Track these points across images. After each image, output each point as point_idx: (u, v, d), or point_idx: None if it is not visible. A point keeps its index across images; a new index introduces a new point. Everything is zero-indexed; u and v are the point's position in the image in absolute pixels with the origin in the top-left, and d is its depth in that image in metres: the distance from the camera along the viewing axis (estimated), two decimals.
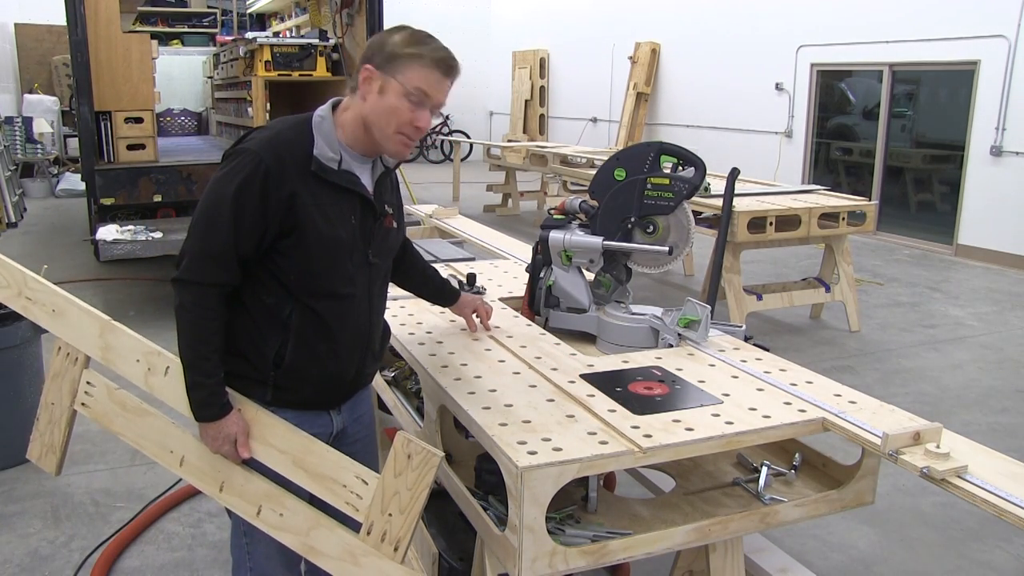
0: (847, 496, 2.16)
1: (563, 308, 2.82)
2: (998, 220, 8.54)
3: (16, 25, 13.48)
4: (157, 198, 6.30)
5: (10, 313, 3.67)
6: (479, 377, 2.24)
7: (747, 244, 5.57)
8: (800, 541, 3.23)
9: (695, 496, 2.17)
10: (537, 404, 2.06)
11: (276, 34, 11.20)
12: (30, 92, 12.89)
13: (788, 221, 5.57)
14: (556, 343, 2.56)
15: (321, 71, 7.38)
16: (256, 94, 7.41)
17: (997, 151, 8.52)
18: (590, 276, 2.86)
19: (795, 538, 3.24)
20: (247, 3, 13.20)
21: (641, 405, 2.06)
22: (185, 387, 1.86)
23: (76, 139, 9.83)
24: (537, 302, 2.87)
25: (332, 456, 1.89)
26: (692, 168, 2.72)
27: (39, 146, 11.92)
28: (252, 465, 1.95)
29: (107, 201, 6.15)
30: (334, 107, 1.92)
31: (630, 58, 13.71)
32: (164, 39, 13.46)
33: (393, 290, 2.25)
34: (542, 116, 16.53)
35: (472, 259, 3.83)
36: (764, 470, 2.22)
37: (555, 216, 2.86)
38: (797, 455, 2.32)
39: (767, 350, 2.54)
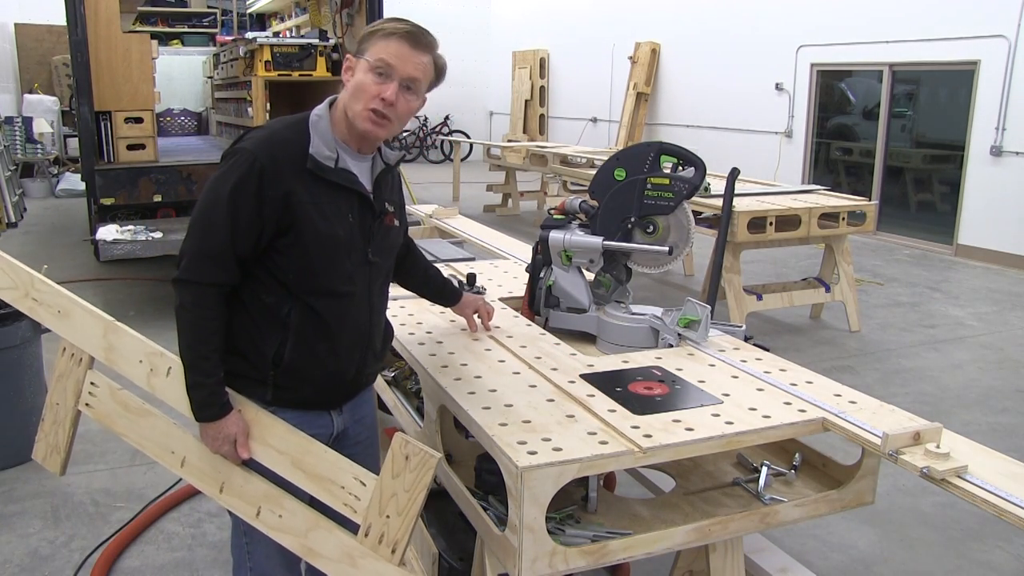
0: (847, 496, 2.16)
1: (563, 308, 2.82)
2: (998, 220, 8.54)
3: (16, 25, 13.48)
4: (157, 198, 6.30)
5: (10, 313, 3.67)
6: (479, 377, 2.24)
7: (747, 244, 5.57)
8: (800, 541, 3.23)
9: (695, 496, 2.17)
10: (537, 404, 2.06)
11: (276, 34, 11.20)
12: (30, 92, 12.89)
13: (788, 221, 5.57)
14: (556, 343, 2.56)
15: (321, 71, 7.37)
16: (256, 94, 7.41)
17: (997, 151, 8.52)
18: (590, 276, 2.86)
19: (795, 538, 3.24)
20: (247, 3, 13.20)
21: (641, 405, 2.06)
22: (185, 387, 1.86)
23: (76, 139, 9.83)
24: (537, 302, 2.87)
25: (330, 457, 1.89)
26: (692, 168, 2.72)
27: (39, 146, 11.92)
28: (252, 466, 1.95)
29: (107, 201, 6.15)
30: (331, 105, 1.92)
31: (630, 58, 13.71)
32: (164, 39, 13.45)
33: (393, 290, 2.25)
34: (542, 116, 16.53)
35: (472, 259, 3.83)
36: (764, 470, 2.22)
37: (555, 216, 2.86)
38: (797, 455, 2.32)
39: (767, 350, 2.54)
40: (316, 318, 1.90)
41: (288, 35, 10.42)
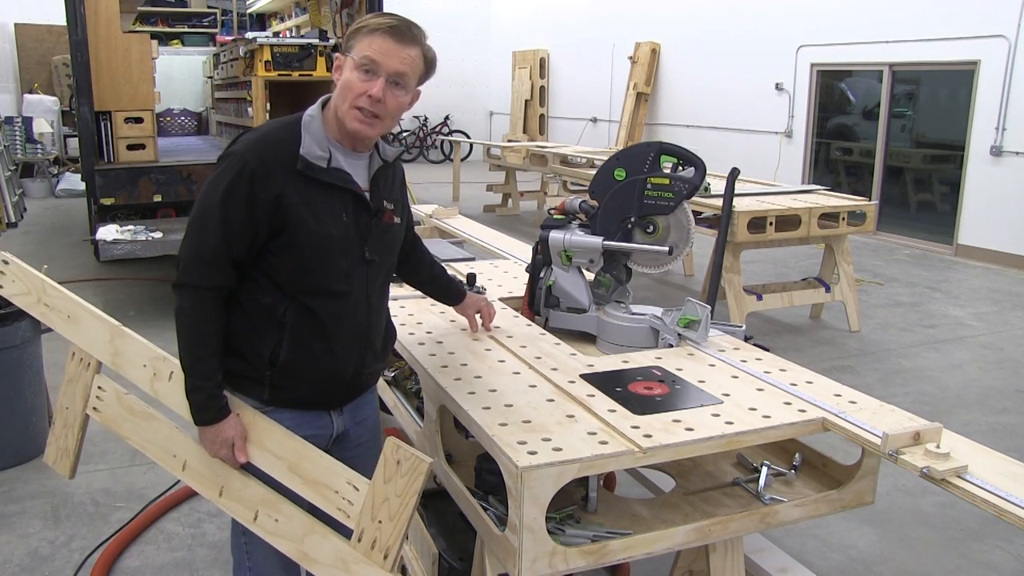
0: (847, 496, 2.16)
1: (563, 308, 2.82)
2: (998, 220, 8.54)
3: (16, 25, 13.48)
4: (157, 198, 6.30)
5: (10, 313, 3.67)
6: (479, 377, 2.24)
7: (747, 244, 5.57)
8: (800, 541, 3.23)
9: (695, 496, 2.17)
10: (537, 404, 2.06)
11: (276, 34, 11.21)
12: (30, 92, 12.89)
13: (788, 221, 5.57)
14: (556, 343, 2.56)
15: (321, 71, 7.37)
16: (256, 94, 7.41)
17: (997, 151, 8.52)
18: (590, 276, 2.86)
19: (795, 538, 3.24)
20: (247, 3, 13.20)
21: (641, 405, 2.06)
22: (184, 390, 1.87)
23: (76, 139, 9.83)
24: (537, 302, 2.87)
25: (325, 461, 1.88)
26: (692, 168, 2.72)
27: (39, 146, 11.92)
28: (251, 470, 1.95)
29: (107, 201, 6.15)
30: (324, 105, 1.92)
31: (630, 58, 13.71)
32: (164, 39, 13.46)
33: (393, 290, 2.25)
34: (542, 116, 16.53)
35: (472, 259, 3.83)
36: (764, 470, 2.22)
37: (555, 216, 2.86)
38: (797, 455, 2.32)
39: (767, 350, 2.54)
40: (312, 318, 1.89)
41: (288, 35, 10.43)
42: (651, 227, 2.74)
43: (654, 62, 13.45)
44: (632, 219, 2.74)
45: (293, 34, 10.47)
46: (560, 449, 1.80)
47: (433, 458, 2.30)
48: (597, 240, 2.75)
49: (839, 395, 2.17)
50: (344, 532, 1.89)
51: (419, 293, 2.62)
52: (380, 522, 1.79)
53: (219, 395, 1.88)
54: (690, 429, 1.93)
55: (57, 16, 8.24)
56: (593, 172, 3.24)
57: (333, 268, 1.89)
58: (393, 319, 2.21)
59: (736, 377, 2.30)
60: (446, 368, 2.30)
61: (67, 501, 3.48)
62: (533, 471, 1.72)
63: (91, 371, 2.23)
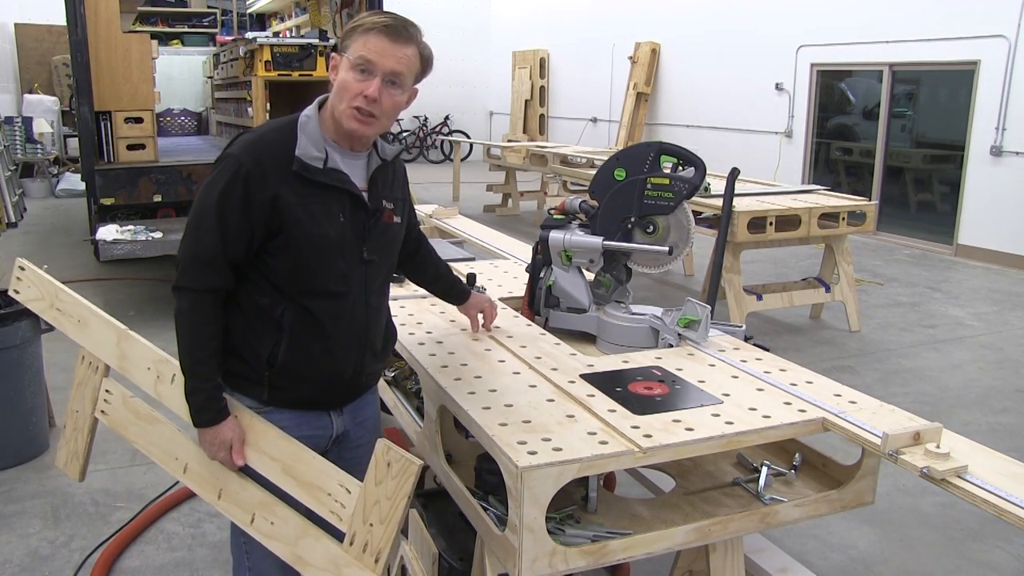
0: (847, 496, 2.16)
1: (563, 308, 2.82)
2: (998, 220, 8.54)
3: (16, 25, 13.48)
4: (157, 198, 6.30)
5: (10, 313, 3.67)
6: (479, 377, 2.24)
7: (747, 244, 5.57)
8: (800, 541, 3.23)
9: (695, 496, 2.17)
10: (537, 404, 2.06)
11: (276, 34, 11.21)
12: (30, 92, 12.89)
13: (788, 221, 5.57)
14: (556, 343, 2.56)
15: (321, 71, 7.37)
16: (256, 94, 7.41)
17: (997, 151, 8.52)
18: (590, 276, 2.86)
19: (795, 538, 3.24)
20: (247, 3, 13.21)
21: (641, 405, 2.06)
22: (184, 392, 1.87)
23: (76, 139, 9.83)
24: (537, 302, 2.87)
25: (318, 463, 1.88)
26: (692, 168, 2.72)
27: (39, 146, 11.93)
28: (248, 473, 1.95)
29: (107, 201, 6.15)
30: (321, 106, 1.92)
31: (630, 58, 13.71)
32: (164, 39, 13.46)
33: (393, 290, 2.25)
34: (542, 116, 16.53)
35: (472, 259, 3.83)
36: (764, 470, 2.22)
37: (555, 216, 2.86)
38: (797, 455, 2.32)
39: (767, 350, 2.54)
40: (310, 318, 1.89)
41: (288, 35, 10.43)
42: (651, 227, 2.74)
43: (654, 62, 13.45)
44: (632, 219, 2.74)
45: (293, 34, 10.48)
46: (560, 449, 1.80)
47: (428, 460, 2.31)
48: (597, 240, 2.75)
49: (839, 395, 2.17)
50: (341, 534, 1.88)
51: (419, 293, 2.62)
52: (371, 525, 1.78)
53: (218, 397, 1.88)
54: (690, 429, 1.93)
55: (57, 16, 8.24)
56: (593, 172, 3.24)
57: (331, 269, 1.89)
58: (392, 319, 2.21)
59: (736, 377, 2.30)
60: (446, 368, 2.30)
61: (67, 501, 3.48)
62: (533, 471, 1.72)
63: (99, 374, 2.26)
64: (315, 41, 7.49)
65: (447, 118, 18.33)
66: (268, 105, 7.47)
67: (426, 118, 17.94)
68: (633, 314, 2.68)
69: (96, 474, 3.70)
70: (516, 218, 10.90)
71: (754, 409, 2.06)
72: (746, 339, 2.67)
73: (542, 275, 2.86)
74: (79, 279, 7.05)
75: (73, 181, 11.73)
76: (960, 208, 8.97)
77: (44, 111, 12.28)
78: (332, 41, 7.60)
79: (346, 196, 1.89)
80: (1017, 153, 8.37)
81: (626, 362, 2.41)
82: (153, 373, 2.10)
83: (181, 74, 12.49)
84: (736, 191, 4.96)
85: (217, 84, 10.28)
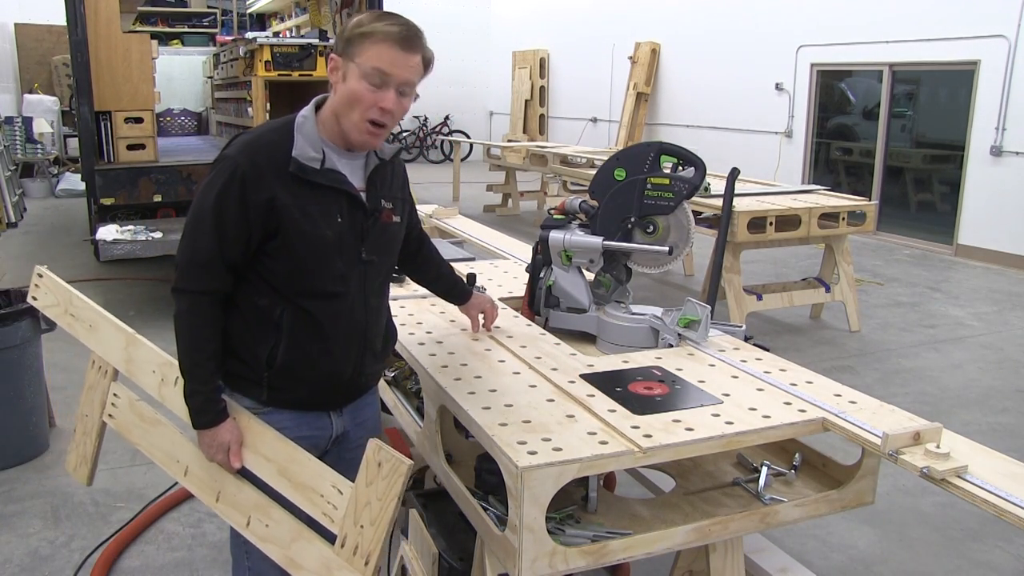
0: (847, 496, 2.16)
1: (563, 308, 2.82)
2: (998, 220, 8.55)
3: (16, 25, 13.48)
4: (157, 198, 6.30)
5: (10, 313, 3.67)
6: (479, 377, 2.24)
7: (747, 244, 5.57)
8: (800, 541, 3.23)
9: (695, 496, 2.17)
10: (537, 404, 2.06)
11: (276, 34, 11.22)
12: (30, 92, 12.89)
13: (788, 221, 5.57)
14: (556, 343, 2.56)
15: (321, 71, 7.37)
16: (256, 94, 7.42)
17: (997, 151, 8.52)
18: (590, 276, 2.86)
19: (795, 538, 3.24)
20: (247, 3, 13.22)
21: (641, 405, 2.06)
22: (183, 394, 1.87)
23: (76, 139, 9.84)
24: (537, 302, 2.87)
25: (313, 465, 1.87)
26: (692, 168, 2.72)
27: (39, 146, 11.93)
28: (246, 475, 1.95)
29: (107, 201, 6.15)
30: (318, 106, 1.91)
31: (630, 58, 13.71)
32: (164, 39, 13.47)
33: (393, 290, 2.25)
34: (542, 116, 16.54)
35: (472, 259, 3.83)
36: (764, 470, 2.22)
37: (555, 216, 2.86)
38: (797, 455, 2.32)
39: (767, 350, 2.54)
40: (309, 319, 1.89)
41: (288, 35, 10.44)
42: (651, 227, 2.74)
43: (654, 62, 13.45)
44: (632, 219, 2.74)
45: (293, 34, 10.48)
46: (560, 449, 1.80)
47: (428, 460, 2.31)
48: (597, 240, 2.75)
49: (839, 395, 2.17)
50: (334, 536, 1.88)
51: (419, 293, 2.62)
52: (362, 527, 1.77)
53: (217, 399, 1.88)
54: (690, 429, 1.93)
55: (57, 16, 8.24)
56: (593, 172, 3.24)
57: (329, 269, 1.89)
58: (393, 319, 2.21)
59: (736, 377, 2.30)
60: (446, 368, 2.30)
61: (67, 501, 3.48)
62: (533, 471, 1.72)
63: (108, 378, 2.27)
64: (315, 41, 7.49)
65: (447, 118, 18.33)
66: (268, 105, 7.47)
67: (426, 118, 17.94)
68: (633, 314, 2.68)
69: (96, 474, 3.70)
70: (516, 218, 10.90)
71: (754, 409, 2.06)
72: (746, 339, 2.67)
73: (542, 275, 2.86)
74: (79, 279, 7.05)
75: (73, 181, 11.73)
76: (960, 208, 8.97)
77: (44, 111, 12.28)
78: (332, 41, 7.60)
79: (344, 196, 1.89)
80: (1017, 153, 8.38)
81: (626, 362, 2.41)
82: (158, 376, 2.11)
83: (181, 74, 12.50)
84: (736, 191, 4.96)
85: (217, 84, 10.29)
